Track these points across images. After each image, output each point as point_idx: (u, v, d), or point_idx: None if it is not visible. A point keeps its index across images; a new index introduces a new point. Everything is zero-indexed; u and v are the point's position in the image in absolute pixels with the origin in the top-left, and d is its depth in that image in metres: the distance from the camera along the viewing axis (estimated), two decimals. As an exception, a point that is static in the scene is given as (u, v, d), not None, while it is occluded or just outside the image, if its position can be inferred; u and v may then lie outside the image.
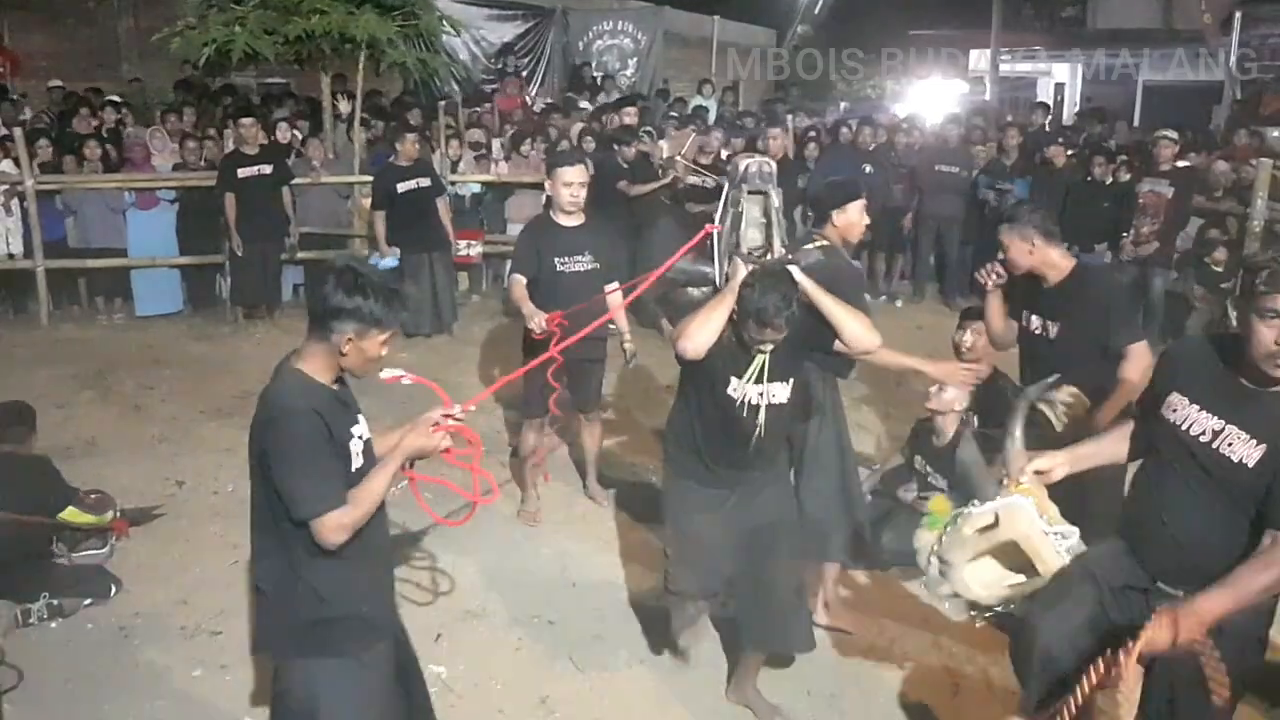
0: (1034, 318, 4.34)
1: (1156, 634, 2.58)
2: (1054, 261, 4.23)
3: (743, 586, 3.87)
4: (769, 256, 3.73)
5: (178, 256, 9.72)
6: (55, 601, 4.58)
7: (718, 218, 3.85)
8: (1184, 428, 2.84)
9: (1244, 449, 2.72)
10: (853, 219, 4.42)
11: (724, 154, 9.51)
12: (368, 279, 2.71)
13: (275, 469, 2.64)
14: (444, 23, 10.90)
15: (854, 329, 3.62)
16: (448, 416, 2.97)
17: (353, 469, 2.75)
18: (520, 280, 5.28)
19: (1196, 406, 2.83)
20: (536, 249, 5.31)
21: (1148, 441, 3.04)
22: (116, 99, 11.76)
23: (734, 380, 3.61)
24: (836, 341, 3.65)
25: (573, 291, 5.27)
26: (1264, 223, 8.17)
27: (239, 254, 8.90)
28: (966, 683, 4.24)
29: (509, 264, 5.66)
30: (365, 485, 2.74)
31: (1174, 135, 9.03)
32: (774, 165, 3.89)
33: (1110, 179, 9.31)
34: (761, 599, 3.82)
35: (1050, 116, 12.77)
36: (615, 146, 9.45)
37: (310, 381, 2.73)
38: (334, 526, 2.64)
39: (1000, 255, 4.32)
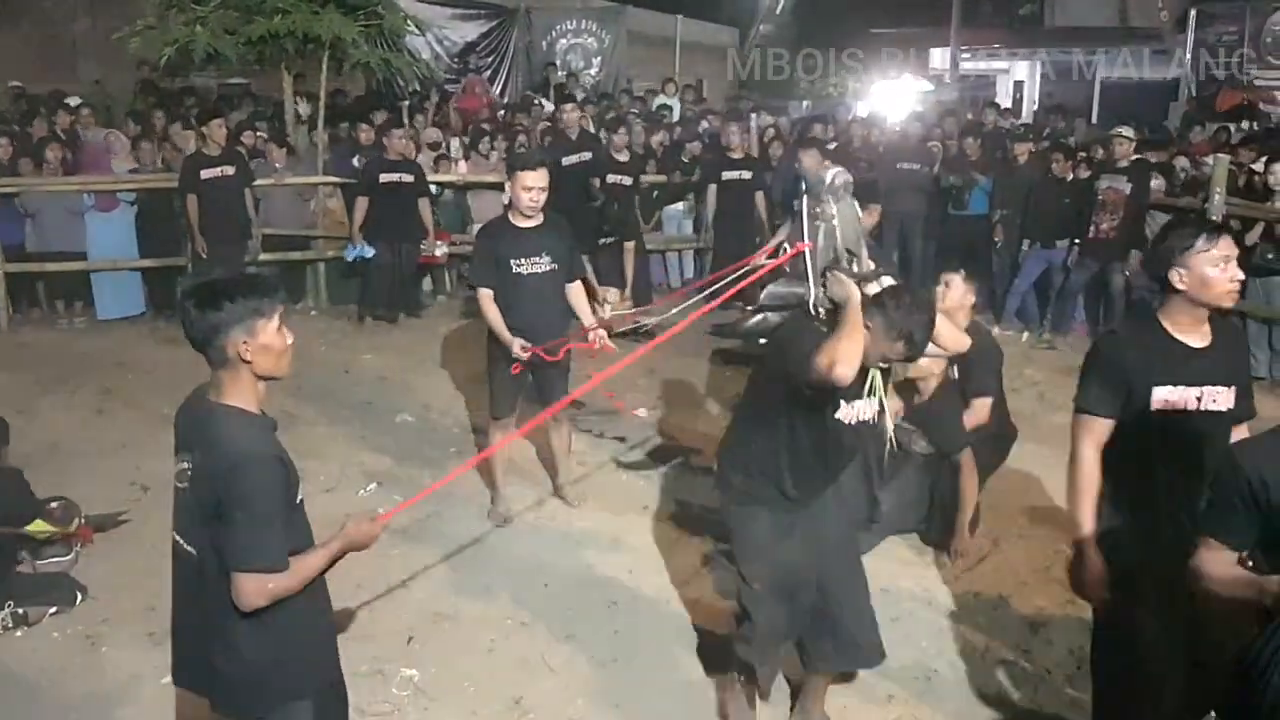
0: None
1: None
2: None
3: (818, 605, 3.66)
4: (856, 266, 3.53)
5: (138, 259, 9.61)
6: (20, 610, 4.52)
7: (805, 234, 3.58)
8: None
9: None
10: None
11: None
12: (219, 283, 2.60)
13: (229, 514, 2.51)
14: (408, 22, 10.84)
15: (950, 334, 3.59)
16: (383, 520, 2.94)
17: (298, 500, 2.69)
18: (487, 295, 5.27)
19: None
20: (494, 254, 5.29)
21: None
22: (74, 100, 11.61)
23: (843, 403, 3.37)
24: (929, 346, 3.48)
25: (533, 293, 5.29)
26: (1221, 218, 8.29)
27: (203, 256, 8.81)
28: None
29: (470, 266, 5.66)
30: (306, 559, 2.65)
31: (1129, 133, 9.15)
32: (850, 174, 3.71)
33: (1070, 176, 9.43)
34: (838, 615, 3.64)
35: (999, 115, 12.89)
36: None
37: (254, 419, 2.63)
38: (260, 589, 2.53)
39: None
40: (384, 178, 9.31)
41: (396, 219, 9.38)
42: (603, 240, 9.17)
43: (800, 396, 3.35)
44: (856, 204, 3.67)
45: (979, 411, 5.18)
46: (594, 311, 5.80)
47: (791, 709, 3.96)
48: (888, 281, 3.37)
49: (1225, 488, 2.50)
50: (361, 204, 9.36)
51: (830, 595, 3.63)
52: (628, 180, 9.54)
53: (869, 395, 3.42)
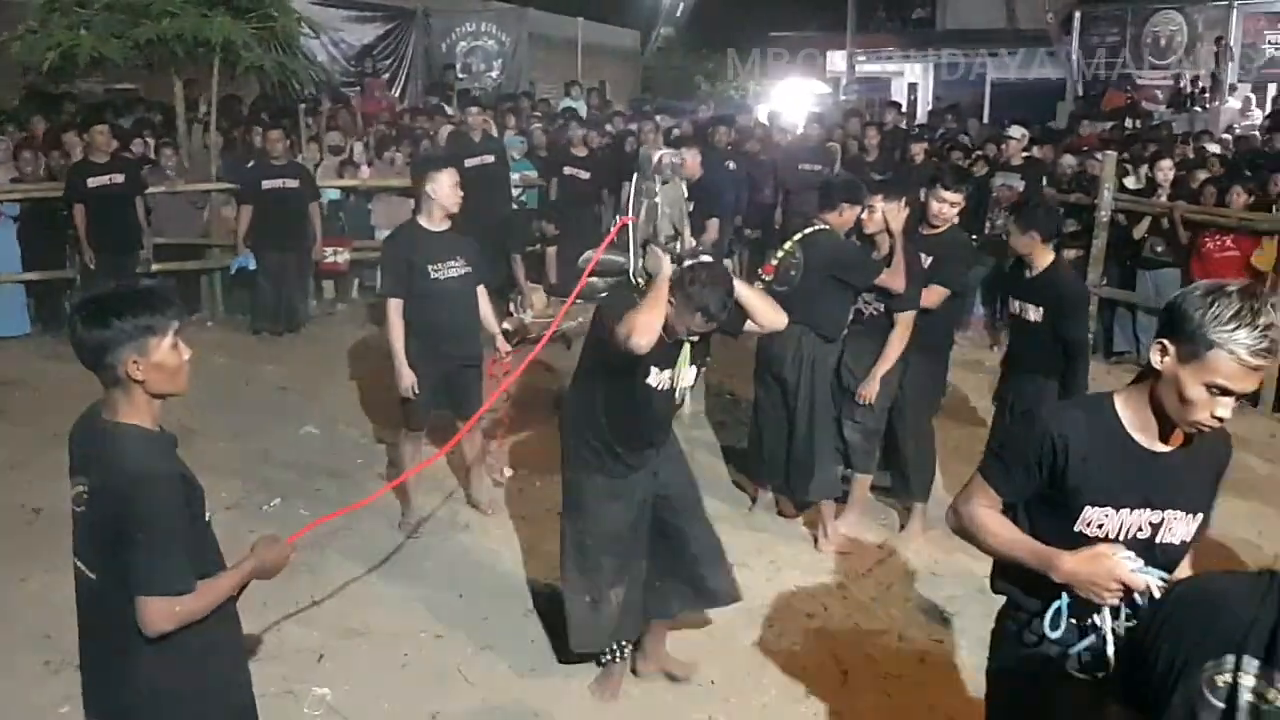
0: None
1: None
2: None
3: (665, 556, 3.98)
4: (679, 245, 3.83)
5: (21, 273, 9.22)
6: (-97, 643, 4.30)
7: (629, 209, 3.90)
8: None
9: None
10: (850, 217, 5.29)
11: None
12: (109, 298, 2.47)
13: (130, 536, 2.38)
14: (302, 25, 10.61)
15: (766, 312, 3.81)
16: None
17: (206, 518, 2.59)
18: (396, 306, 5.16)
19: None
20: (406, 261, 5.17)
21: None
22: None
23: (654, 370, 3.64)
24: (748, 323, 3.82)
25: (450, 298, 5.21)
26: (1110, 213, 8.56)
27: (91, 267, 8.50)
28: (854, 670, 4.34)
29: (379, 274, 5.58)
30: (215, 582, 2.53)
31: (1018, 134, 9.40)
32: (683, 157, 4.13)
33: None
34: (688, 562, 3.97)
35: (898, 115, 13.20)
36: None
37: (153, 436, 2.50)
38: (167, 613, 2.41)
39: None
40: (267, 184, 8.96)
41: (282, 227, 9.04)
42: (530, 247, 9.27)
43: (613, 361, 3.61)
44: (684, 186, 4.00)
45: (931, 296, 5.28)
46: (514, 314, 5.89)
47: (635, 648, 4.15)
48: (705, 259, 3.68)
49: (1021, 442, 2.50)
50: (245, 212, 9.03)
51: (686, 546, 3.96)
52: (585, 174, 9.79)
53: (681, 366, 3.70)
